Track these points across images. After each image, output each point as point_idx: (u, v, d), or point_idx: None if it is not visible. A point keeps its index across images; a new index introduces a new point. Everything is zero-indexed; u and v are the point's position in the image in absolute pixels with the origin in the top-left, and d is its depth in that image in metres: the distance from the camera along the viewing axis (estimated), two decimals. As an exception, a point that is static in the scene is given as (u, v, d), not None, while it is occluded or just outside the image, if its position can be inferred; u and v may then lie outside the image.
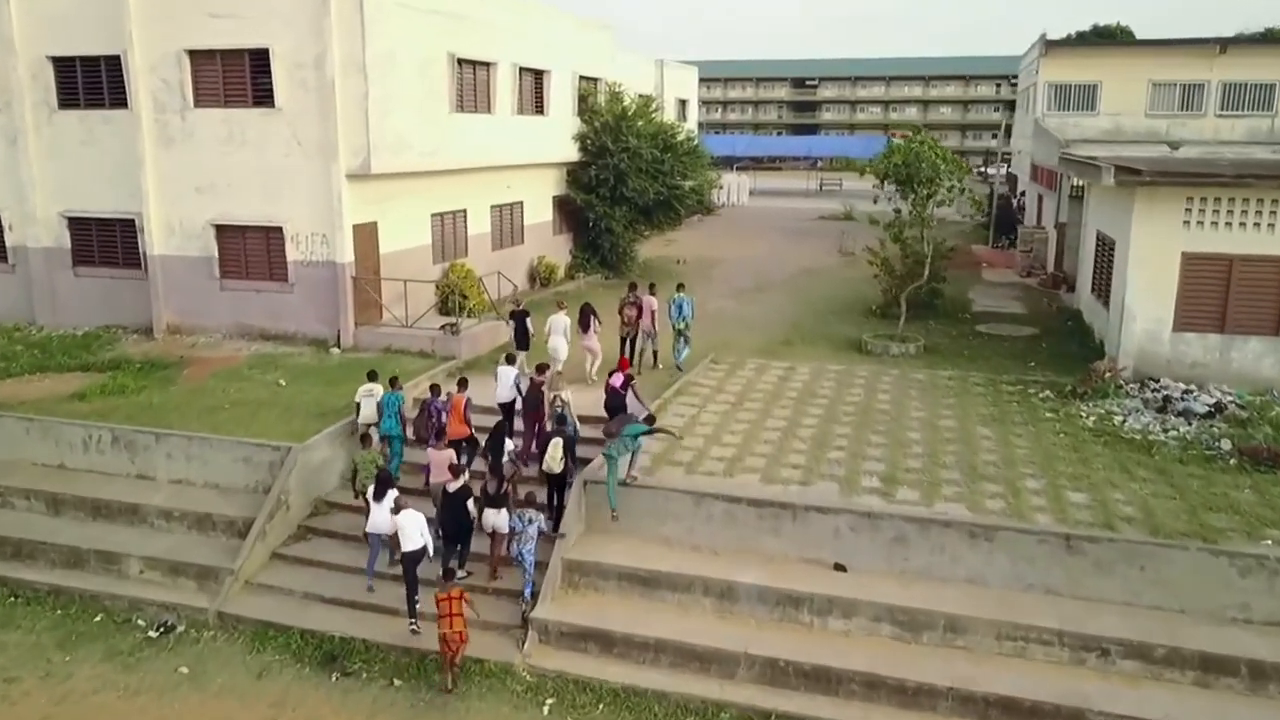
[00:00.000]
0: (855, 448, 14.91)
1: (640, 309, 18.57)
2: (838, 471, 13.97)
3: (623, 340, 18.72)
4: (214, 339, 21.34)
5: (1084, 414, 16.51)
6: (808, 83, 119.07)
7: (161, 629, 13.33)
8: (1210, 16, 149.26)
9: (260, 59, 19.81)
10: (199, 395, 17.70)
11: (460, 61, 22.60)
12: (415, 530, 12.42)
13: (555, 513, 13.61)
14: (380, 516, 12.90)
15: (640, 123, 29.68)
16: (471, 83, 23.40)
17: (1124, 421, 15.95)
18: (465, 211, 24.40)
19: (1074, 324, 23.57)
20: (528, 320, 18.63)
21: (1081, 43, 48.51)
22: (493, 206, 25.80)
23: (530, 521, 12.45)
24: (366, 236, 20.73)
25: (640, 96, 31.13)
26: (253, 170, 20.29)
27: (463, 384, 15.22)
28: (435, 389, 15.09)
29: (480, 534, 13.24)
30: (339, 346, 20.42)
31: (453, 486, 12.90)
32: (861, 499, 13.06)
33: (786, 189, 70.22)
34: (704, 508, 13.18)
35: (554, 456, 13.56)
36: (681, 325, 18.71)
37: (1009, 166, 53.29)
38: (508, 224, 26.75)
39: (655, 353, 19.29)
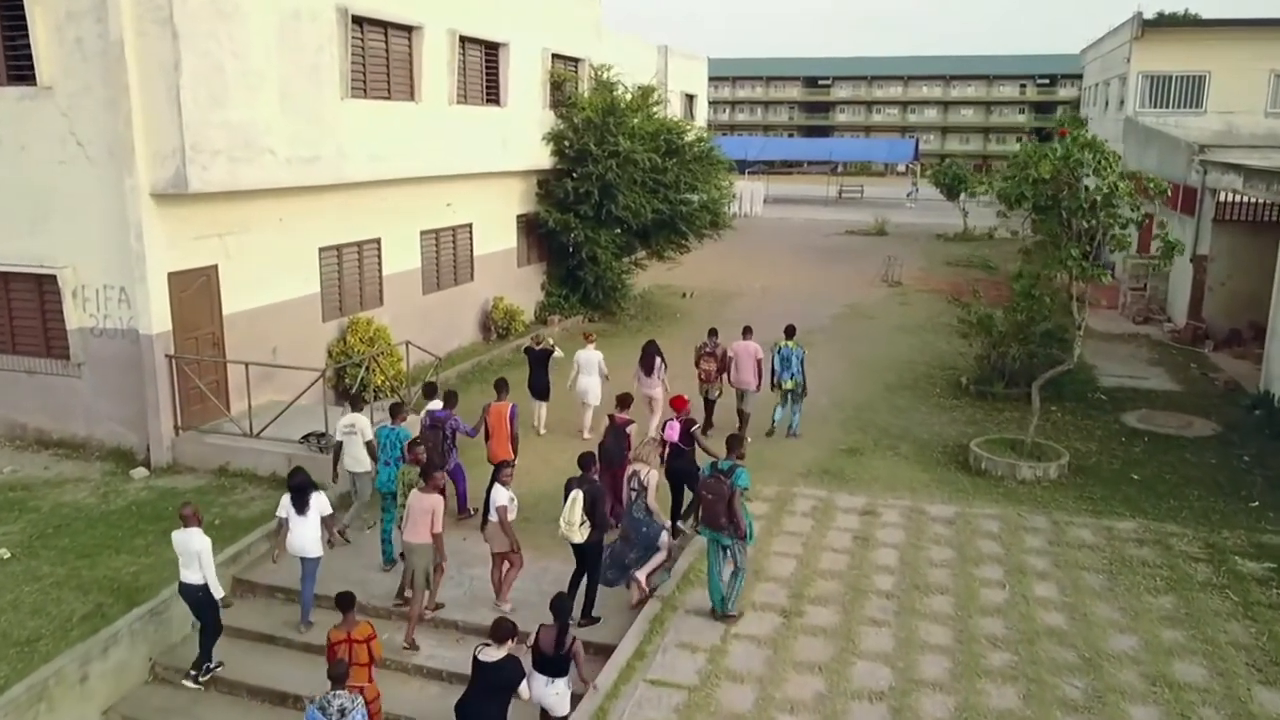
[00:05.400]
0: (1046, 763, 7.41)
1: (720, 360, 14.55)
2: None
3: (705, 402, 14.63)
4: (-31, 444, 13.90)
5: None
6: (820, 82, 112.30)
7: None
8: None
9: (12, 6, 12.35)
10: None
11: (359, 21, 15.07)
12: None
13: (585, 604, 9.45)
14: (304, 532, 9.39)
15: (636, 120, 22.28)
16: (381, 54, 15.86)
17: None
18: (378, 242, 16.87)
19: (1264, 414, 16.07)
20: (550, 361, 14.55)
21: (1185, 23, 40.85)
22: (424, 233, 18.28)
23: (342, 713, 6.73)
24: (198, 289, 13.22)
25: (638, 87, 23.65)
26: (11, 186, 12.81)
27: (502, 387, 12.02)
28: (431, 389, 11.99)
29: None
30: (148, 466, 12.91)
31: (491, 655, 7.31)
32: None
33: (803, 196, 62.54)
34: None
35: (570, 520, 9.23)
36: (790, 385, 14.64)
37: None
38: (448, 256, 19.22)
39: (746, 417, 14.45)
